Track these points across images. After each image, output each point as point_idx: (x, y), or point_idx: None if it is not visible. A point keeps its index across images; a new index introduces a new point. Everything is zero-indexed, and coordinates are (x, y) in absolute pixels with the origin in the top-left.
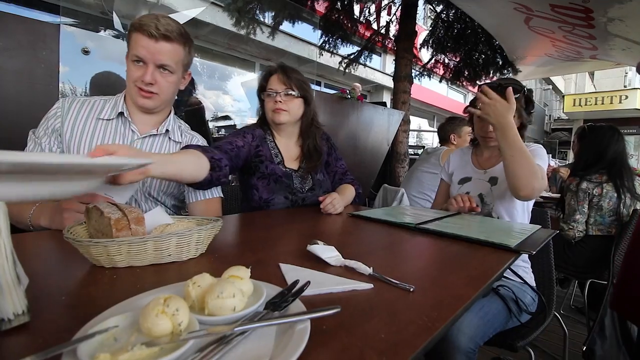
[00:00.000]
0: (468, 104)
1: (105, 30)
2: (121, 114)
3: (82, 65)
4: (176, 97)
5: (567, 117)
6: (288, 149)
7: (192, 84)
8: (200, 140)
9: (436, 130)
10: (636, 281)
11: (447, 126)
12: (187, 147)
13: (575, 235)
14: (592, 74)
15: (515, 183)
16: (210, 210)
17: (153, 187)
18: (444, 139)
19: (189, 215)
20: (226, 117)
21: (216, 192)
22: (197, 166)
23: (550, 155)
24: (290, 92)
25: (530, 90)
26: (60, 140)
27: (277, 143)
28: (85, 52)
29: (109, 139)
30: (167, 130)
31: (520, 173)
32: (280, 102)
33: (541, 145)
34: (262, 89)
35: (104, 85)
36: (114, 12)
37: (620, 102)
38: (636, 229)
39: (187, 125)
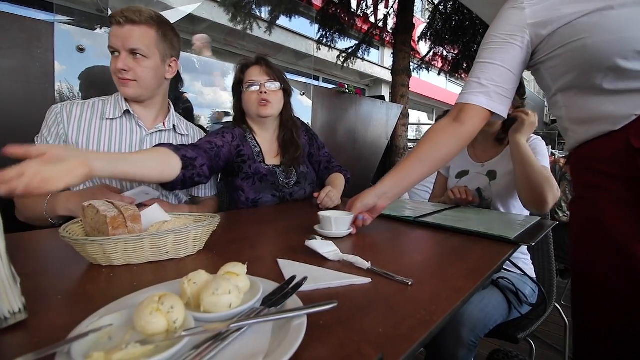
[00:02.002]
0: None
1: (100, 28)
2: (127, 111)
3: (78, 63)
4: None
5: None
6: (268, 144)
7: (179, 80)
8: (203, 135)
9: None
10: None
11: None
12: (158, 145)
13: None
14: None
15: (529, 197)
16: (209, 207)
17: None
18: None
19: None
20: (224, 113)
21: (214, 191)
22: (164, 165)
23: (550, 146)
24: (273, 83)
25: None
26: (65, 144)
27: (257, 139)
28: (81, 49)
29: (117, 137)
30: (174, 126)
31: (534, 187)
32: (265, 93)
33: (540, 138)
34: (240, 82)
35: (99, 81)
36: (109, 10)
37: None
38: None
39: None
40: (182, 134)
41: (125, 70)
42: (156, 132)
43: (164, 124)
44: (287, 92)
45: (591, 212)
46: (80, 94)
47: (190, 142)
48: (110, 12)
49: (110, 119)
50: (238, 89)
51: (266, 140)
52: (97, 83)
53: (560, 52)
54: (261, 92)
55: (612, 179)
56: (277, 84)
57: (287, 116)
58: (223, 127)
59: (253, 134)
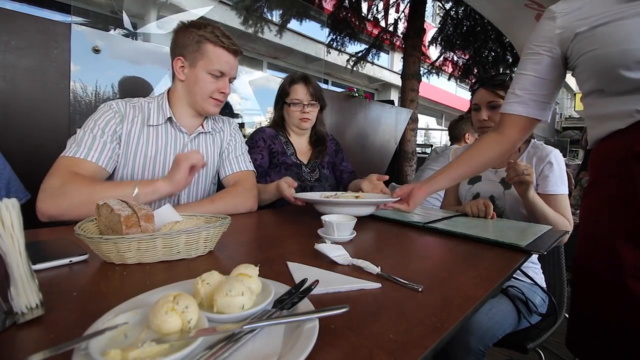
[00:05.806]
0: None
1: (115, 30)
2: (169, 119)
3: (93, 63)
4: None
5: (578, 116)
6: (301, 144)
7: None
8: (233, 122)
9: (445, 128)
10: (595, 317)
11: (463, 125)
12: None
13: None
14: None
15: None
16: (246, 179)
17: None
18: (456, 138)
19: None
20: (234, 115)
21: (250, 166)
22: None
23: (561, 154)
24: (313, 103)
25: None
26: (119, 142)
27: (291, 140)
28: (96, 50)
29: (162, 143)
30: (212, 128)
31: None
32: (307, 112)
33: (558, 151)
34: (286, 95)
35: (133, 90)
36: (123, 12)
37: None
38: (577, 255)
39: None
40: (218, 132)
41: (225, 94)
42: (197, 135)
43: (202, 126)
44: (322, 108)
45: (594, 205)
46: (94, 94)
47: (226, 138)
48: (124, 15)
49: (154, 126)
50: (282, 99)
51: (300, 142)
52: (131, 91)
53: (581, 61)
54: (304, 112)
55: (610, 178)
56: (317, 104)
57: (319, 125)
58: (254, 136)
59: (288, 135)
